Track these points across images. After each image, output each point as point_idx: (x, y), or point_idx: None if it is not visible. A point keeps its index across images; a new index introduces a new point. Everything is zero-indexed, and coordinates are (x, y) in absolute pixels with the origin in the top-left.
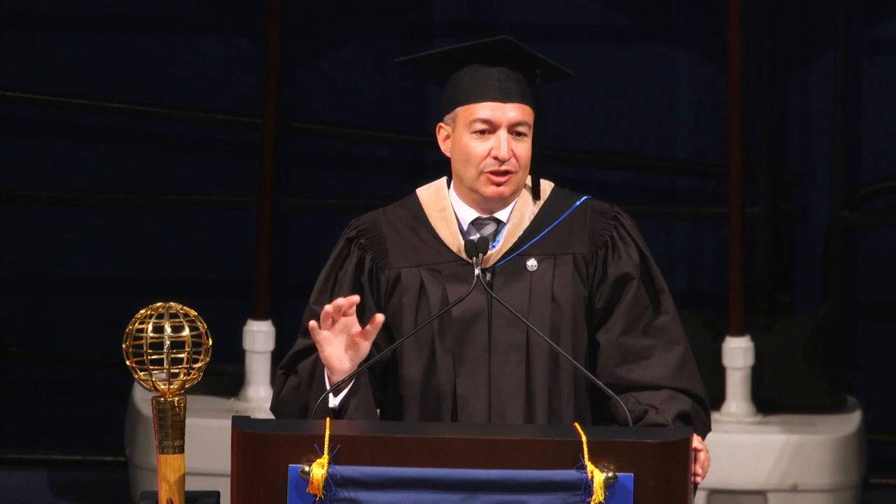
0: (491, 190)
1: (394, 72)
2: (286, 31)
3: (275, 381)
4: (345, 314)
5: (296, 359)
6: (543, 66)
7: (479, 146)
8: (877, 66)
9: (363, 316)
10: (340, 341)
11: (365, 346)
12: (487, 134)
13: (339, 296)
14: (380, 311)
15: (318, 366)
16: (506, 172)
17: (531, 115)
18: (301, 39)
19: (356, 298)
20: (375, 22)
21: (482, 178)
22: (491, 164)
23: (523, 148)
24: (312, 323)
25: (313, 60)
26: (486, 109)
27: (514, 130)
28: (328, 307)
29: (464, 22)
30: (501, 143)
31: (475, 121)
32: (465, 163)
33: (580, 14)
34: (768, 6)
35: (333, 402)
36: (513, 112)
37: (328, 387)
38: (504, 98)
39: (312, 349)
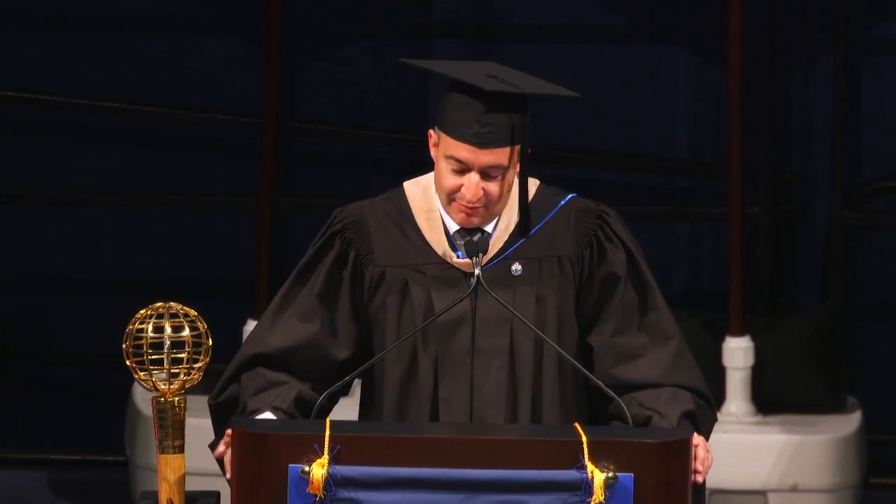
0: (459, 218)
1: (394, 72)
2: (286, 31)
3: (228, 366)
4: None
5: (252, 362)
6: (537, 96)
7: (452, 179)
8: (877, 66)
9: (335, 309)
10: None
11: None
12: (461, 171)
13: (315, 286)
14: (360, 306)
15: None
16: (475, 207)
17: (510, 155)
18: (301, 39)
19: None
20: (375, 22)
21: (453, 205)
22: (461, 198)
23: (495, 186)
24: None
25: (313, 60)
26: (462, 150)
27: (486, 172)
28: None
29: (464, 22)
30: (471, 185)
31: (450, 157)
32: (439, 186)
33: (580, 14)
34: (768, 6)
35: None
36: (487, 157)
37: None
38: (480, 144)
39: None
